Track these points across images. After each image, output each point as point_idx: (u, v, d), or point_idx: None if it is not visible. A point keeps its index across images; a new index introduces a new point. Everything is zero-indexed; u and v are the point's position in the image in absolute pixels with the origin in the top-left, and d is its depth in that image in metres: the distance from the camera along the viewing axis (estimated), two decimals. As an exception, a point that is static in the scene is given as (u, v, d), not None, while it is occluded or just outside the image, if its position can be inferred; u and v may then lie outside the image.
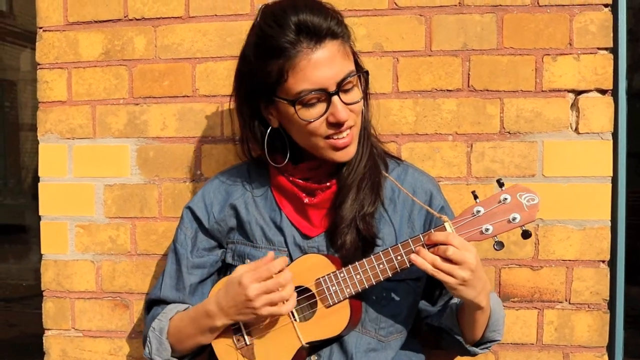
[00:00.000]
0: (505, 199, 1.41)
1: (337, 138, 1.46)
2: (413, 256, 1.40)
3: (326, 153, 1.49)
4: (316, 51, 1.40)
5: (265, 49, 1.43)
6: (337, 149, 1.47)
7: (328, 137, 1.46)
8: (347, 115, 1.44)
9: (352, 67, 1.47)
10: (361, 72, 1.51)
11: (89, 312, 2.03)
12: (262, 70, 1.44)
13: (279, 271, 1.44)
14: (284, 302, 1.44)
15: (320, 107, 1.43)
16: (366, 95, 1.58)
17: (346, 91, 1.44)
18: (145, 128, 1.98)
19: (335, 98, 1.42)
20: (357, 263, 1.47)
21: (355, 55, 1.53)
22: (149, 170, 1.98)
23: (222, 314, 1.50)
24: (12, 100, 11.70)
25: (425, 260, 1.39)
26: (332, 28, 1.42)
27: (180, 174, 1.96)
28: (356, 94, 1.47)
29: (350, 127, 1.47)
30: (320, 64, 1.40)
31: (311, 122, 1.44)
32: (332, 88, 1.42)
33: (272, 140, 1.55)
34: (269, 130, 1.54)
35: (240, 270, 1.48)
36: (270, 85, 1.45)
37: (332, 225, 1.54)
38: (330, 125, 1.44)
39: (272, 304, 1.44)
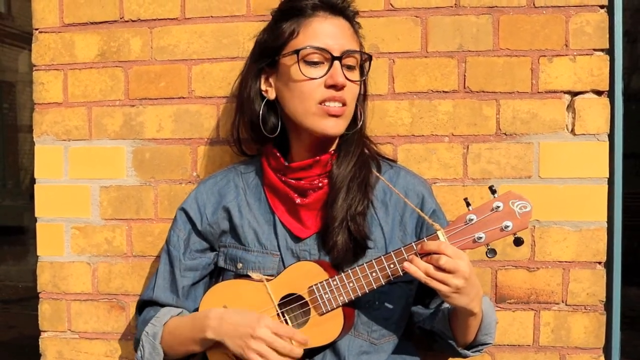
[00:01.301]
0: (498, 206, 1.40)
1: (329, 106, 1.49)
2: (406, 264, 1.40)
3: (316, 122, 1.50)
4: (330, 19, 1.52)
5: (286, 11, 1.55)
6: (329, 114, 1.49)
7: (321, 102, 1.49)
8: (344, 82, 1.49)
9: (358, 48, 1.56)
10: (367, 54, 1.59)
11: (85, 314, 2.02)
12: (275, 31, 1.54)
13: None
14: None
15: (322, 69, 1.50)
16: (365, 98, 1.63)
17: (348, 67, 1.52)
18: (141, 129, 1.97)
19: (337, 63, 1.49)
20: (349, 271, 1.47)
21: (362, 49, 1.60)
22: (145, 172, 1.98)
23: (217, 325, 1.48)
24: (11, 101, 11.70)
25: (418, 269, 1.39)
26: (347, 10, 1.56)
27: (176, 175, 1.96)
28: (356, 75, 1.55)
29: (344, 104, 1.51)
30: (330, 30, 1.51)
31: (311, 78, 1.48)
32: (337, 53, 1.49)
33: (265, 119, 1.58)
34: (264, 101, 1.58)
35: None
36: (279, 45, 1.53)
37: (324, 226, 1.54)
38: (327, 87, 1.49)
39: (263, 357, 1.43)
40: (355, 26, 1.58)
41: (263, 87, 1.58)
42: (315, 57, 1.49)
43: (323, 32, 1.49)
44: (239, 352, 1.46)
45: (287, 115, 1.56)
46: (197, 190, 1.71)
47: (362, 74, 1.58)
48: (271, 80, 1.57)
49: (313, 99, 1.49)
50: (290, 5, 1.54)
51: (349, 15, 1.55)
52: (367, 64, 1.60)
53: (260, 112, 1.57)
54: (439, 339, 1.62)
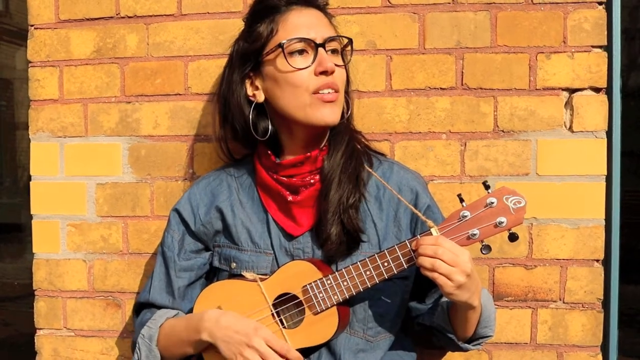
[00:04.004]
0: (492, 202, 1.39)
1: (323, 93, 1.49)
2: (420, 251, 1.39)
3: (312, 113, 1.49)
4: (305, 10, 1.53)
5: (257, 14, 1.55)
6: (324, 102, 1.49)
7: (315, 92, 1.48)
8: (333, 67, 1.49)
9: (337, 35, 1.56)
10: (346, 37, 1.59)
11: (81, 312, 2.01)
12: (252, 34, 1.54)
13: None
14: None
15: (308, 58, 1.50)
16: (348, 91, 1.62)
17: (332, 52, 1.53)
18: (137, 126, 1.96)
19: (321, 49, 1.49)
20: (343, 270, 1.46)
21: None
22: (141, 169, 1.97)
23: (212, 328, 1.48)
24: (8, 99, 11.66)
25: (426, 259, 1.38)
26: (320, 2, 1.58)
27: (173, 172, 1.95)
28: (340, 60, 1.56)
29: (336, 90, 1.51)
30: (308, 20, 1.52)
31: (299, 69, 1.48)
32: (319, 41, 1.50)
33: (255, 125, 1.57)
34: (253, 105, 1.57)
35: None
36: (260, 46, 1.53)
37: (317, 220, 1.54)
38: (317, 75, 1.48)
39: None
40: (329, 17, 1.59)
41: (249, 92, 1.57)
42: (300, 47, 1.49)
43: (301, 23, 1.50)
44: (231, 359, 1.45)
45: (279, 114, 1.55)
46: (190, 191, 1.70)
47: (344, 60, 1.58)
48: (257, 83, 1.57)
49: (306, 89, 1.48)
50: (264, 5, 1.54)
51: (320, 6, 1.57)
52: (348, 52, 1.59)
53: (250, 117, 1.56)
54: (439, 334, 1.62)
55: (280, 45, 1.48)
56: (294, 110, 1.51)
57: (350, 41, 1.59)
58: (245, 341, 1.43)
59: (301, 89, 1.49)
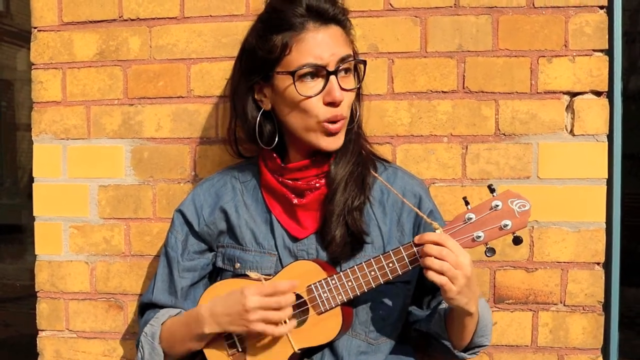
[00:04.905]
0: (497, 205, 1.40)
1: (329, 125, 1.48)
2: (427, 251, 1.38)
3: (316, 138, 1.50)
4: (322, 30, 1.47)
5: (273, 23, 1.50)
6: (328, 133, 1.49)
7: (322, 121, 1.48)
8: (342, 97, 1.47)
9: (352, 53, 1.53)
10: (361, 60, 1.56)
11: (83, 313, 2.02)
12: (266, 44, 1.49)
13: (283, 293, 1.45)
14: (279, 324, 1.45)
15: (318, 84, 1.47)
16: (359, 97, 1.61)
17: (345, 72, 1.50)
18: (140, 129, 1.97)
19: (333, 77, 1.46)
20: (348, 270, 1.47)
21: (355, 49, 1.58)
22: (144, 171, 1.97)
23: (212, 321, 1.50)
24: (9, 100, 11.67)
25: (434, 263, 1.37)
26: (338, 15, 1.50)
27: (175, 175, 1.96)
28: (352, 82, 1.53)
29: (342, 119, 1.50)
30: (324, 42, 1.47)
31: (308, 97, 1.46)
32: (332, 67, 1.46)
33: (261, 128, 1.57)
34: (260, 112, 1.56)
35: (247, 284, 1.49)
36: (272, 60, 1.49)
37: (322, 222, 1.54)
38: (326, 105, 1.47)
39: (267, 321, 1.44)
40: (347, 28, 1.54)
41: (257, 96, 1.57)
42: (312, 71, 1.47)
43: (316, 46, 1.46)
44: (245, 331, 1.48)
45: (285, 125, 1.55)
46: (194, 192, 1.71)
47: (356, 74, 1.57)
48: (265, 92, 1.55)
49: (314, 116, 1.48)
50: (279, 19, 1.48)
51: (340, 19, 1.51)
52: (361, 66, 1.58)
53: (257, 121, 1.56)
54: (435, 341, 1.62)
55: (291, 73, 1.46)
56: (299, 131, 1.52)
57: (364, 62, 1.57)
58: (242, 309, 1.44)
59: (309, 114, 1.48)
